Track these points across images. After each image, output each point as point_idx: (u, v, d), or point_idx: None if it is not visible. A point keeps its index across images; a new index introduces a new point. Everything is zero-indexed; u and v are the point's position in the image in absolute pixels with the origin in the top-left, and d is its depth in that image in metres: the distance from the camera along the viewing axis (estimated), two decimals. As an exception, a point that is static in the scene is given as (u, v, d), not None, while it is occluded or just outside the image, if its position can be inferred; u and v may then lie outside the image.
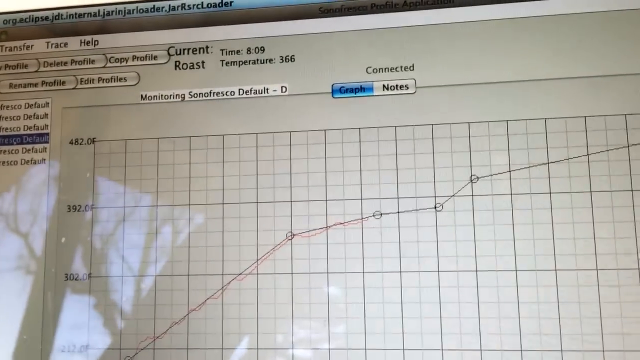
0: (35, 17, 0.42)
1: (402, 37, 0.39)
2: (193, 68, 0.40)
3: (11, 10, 0.43)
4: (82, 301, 0.40)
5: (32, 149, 0.41)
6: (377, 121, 0.38)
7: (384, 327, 0.36)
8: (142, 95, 0.41)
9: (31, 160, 0.41)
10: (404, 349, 0.36)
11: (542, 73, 0.37)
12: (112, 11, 0.41)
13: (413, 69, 0.38)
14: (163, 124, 0.40)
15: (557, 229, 0.36)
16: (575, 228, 0.36)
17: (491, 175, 0.37)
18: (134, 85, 0.41)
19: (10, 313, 0.40)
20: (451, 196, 0.37)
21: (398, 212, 0.37)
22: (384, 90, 0.38)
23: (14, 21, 0.43)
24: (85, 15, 0.42)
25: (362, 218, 0.37)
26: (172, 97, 0.40)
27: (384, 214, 0.37)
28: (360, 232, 0.37)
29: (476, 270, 0.36)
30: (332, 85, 0.39)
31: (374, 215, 0.37)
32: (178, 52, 0.41)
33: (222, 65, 0.40)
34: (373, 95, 0.38)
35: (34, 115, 0.42)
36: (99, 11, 0.42)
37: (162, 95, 0.40)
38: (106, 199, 0.40)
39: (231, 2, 0.40)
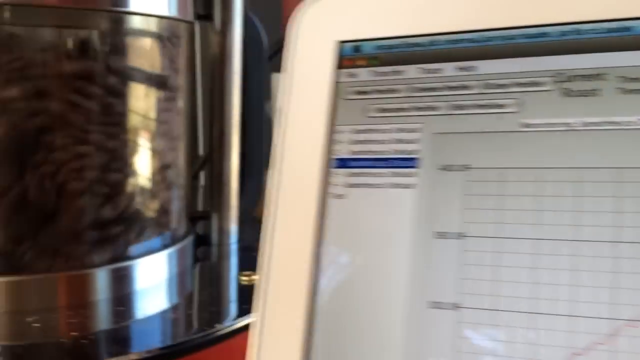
0: (409, 44, 0.43)
1: None
2: (585, 96, 0.38)
3: (385, 36, 0.43)
4: (446, 332, 0.39)
5: (401, 173, 0.41)
6: None
7: None
8: (522, 123, 0.39)
9: (399, 184, 0.41)
10: None
11: None
12: (494, 37, 0.41)
13: None
14: (545, 154, 0.38)
15: None
16: None
17: None
18: (514, 112, 0.40)
19: (365, 337, 0.40)
20: None
21: None
22: None
23: (387, 47, 0.43)
24: (463, 40, 0.41)
25: None
26: (558, 125, 0.38)
27: None
28: None
29: None
30: None
31: None
32: (568, 79, 0.39)
33: (620, 93, 0.37)
34: None
35: (404, 139, 0.42)
36: (479, 37, 0.41)
37: (546, 124, 0.39)
38: (477, 227, 0.39)
39: (630, 28, 0.38)
